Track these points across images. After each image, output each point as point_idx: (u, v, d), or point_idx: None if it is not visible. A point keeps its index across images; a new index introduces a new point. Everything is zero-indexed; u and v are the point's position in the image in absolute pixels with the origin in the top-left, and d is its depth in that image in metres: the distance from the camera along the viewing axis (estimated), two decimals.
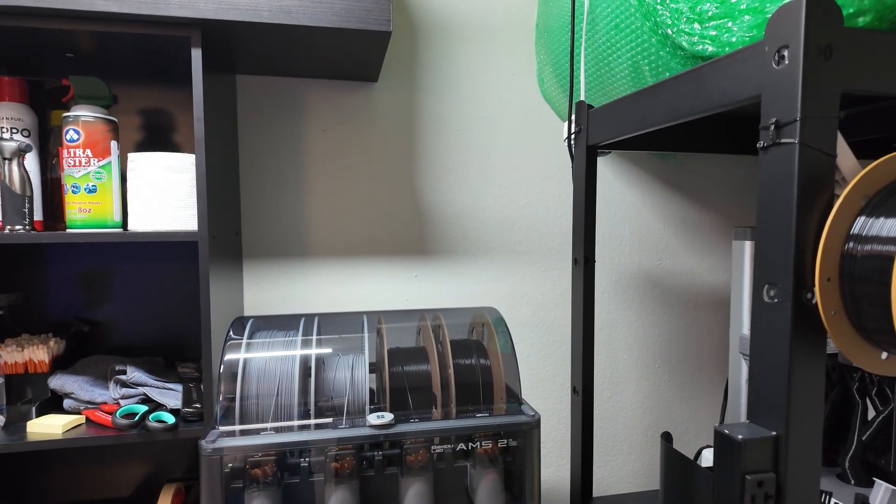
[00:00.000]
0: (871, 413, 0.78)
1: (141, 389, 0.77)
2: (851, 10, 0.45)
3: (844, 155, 0.46)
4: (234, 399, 0.63)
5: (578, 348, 0.82)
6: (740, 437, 0.45)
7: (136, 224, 0.75)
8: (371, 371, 0.70)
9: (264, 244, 0.95)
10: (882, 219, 0.42)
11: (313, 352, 0.66)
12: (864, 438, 0.78)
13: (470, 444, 0.62)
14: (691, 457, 1.16)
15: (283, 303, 0.96)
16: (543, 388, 1.07)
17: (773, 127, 0.45)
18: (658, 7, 0.65)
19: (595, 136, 0.77)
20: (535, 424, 0.61)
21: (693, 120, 0.89)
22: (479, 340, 0.75)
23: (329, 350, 0.68)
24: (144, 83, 0.91)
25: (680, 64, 0.75)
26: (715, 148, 0.92)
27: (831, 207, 0.45)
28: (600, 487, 1.12)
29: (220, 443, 0.59)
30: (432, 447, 0.60)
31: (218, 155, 0.80)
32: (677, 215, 1.11)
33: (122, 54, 0.80)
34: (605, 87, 0.86)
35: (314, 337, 0.67)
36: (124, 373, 0.77)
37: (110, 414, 0.73)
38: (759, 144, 0.47)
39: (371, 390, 0.68)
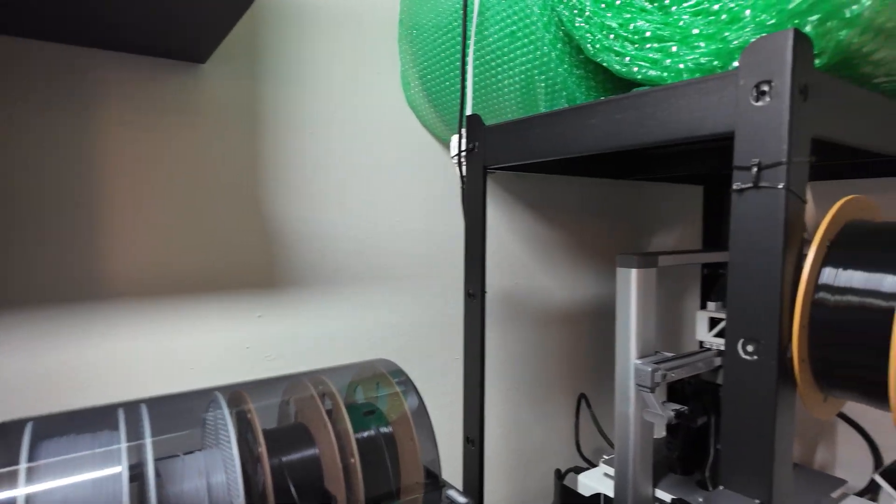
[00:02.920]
0: None
1: None
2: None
3: (809, 202, 0.44)
4: None
5: (474, 392, 0.72)
6: None
7: None
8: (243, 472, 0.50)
9: (24, 287, 0.64)
10: (856, 272, 0.41)
11: (149, 460, 0.44)
12: (717, 447, 0.84)
13: None
14: (550, 477, 1.17)
15: (53, 374, 0.66)
16: None
17: (755, 169, 0.41)
18: (577, 19, 0.59)
19: (493, 157, 0.68)
20: None
21: None
22: (371, 403, 0.60)
23: (172, 453, 0.46)
24: None
25: (575, 83, 0.71)
26: (588, 172, 0.92)
27: (802, 255, 0.43)
28: None
29: None
30: None
31: None
32: (531, 233, 1.10)
33: None
34: (490, 100, 0.78)
35: (147, 439, 0.45)
36: None
37: None
38: (736, 186, 0.43)
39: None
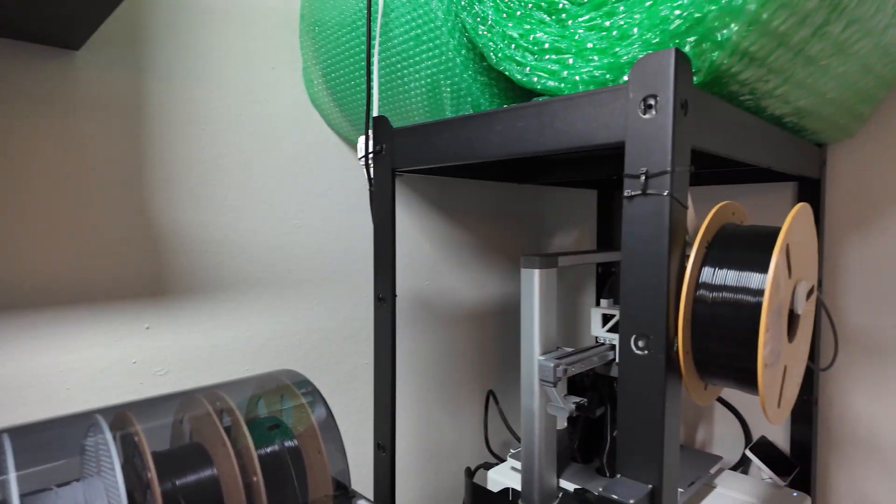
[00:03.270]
0: None
1: None
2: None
3: (690, 207, 0.48)
4: None
5: (385, 397, 0.72)
6: (631, 501, 0.43)
7: None
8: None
9: None
10: (728, 271, 0.45)
11: (14, 497, 0.39)
12: (613, 435, 0.90)
13: None
14: (461, 475, 1.19)
15: None
16: None
17: (643, 177, 0.44)
18: (480, 28, 0.60)
19: (401, 160, 0.68)
20: None
21: None
22: (276, 417, 0.57)
23: (45, 486, 0.41)
24: None
25: (480, 89, 0.72)
26: (491, 176, 0.94)
27: (685, 255, 0.46)
28: None
29: None
30: None
31: None
32: (441, 235, 1.11)
33: None
34: (397, 102, 0.77)
35: (11, 473, 0.39)
36: None
37: None
38: (626, 194, 0.46)
39: None
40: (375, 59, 0.73)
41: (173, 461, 0.49)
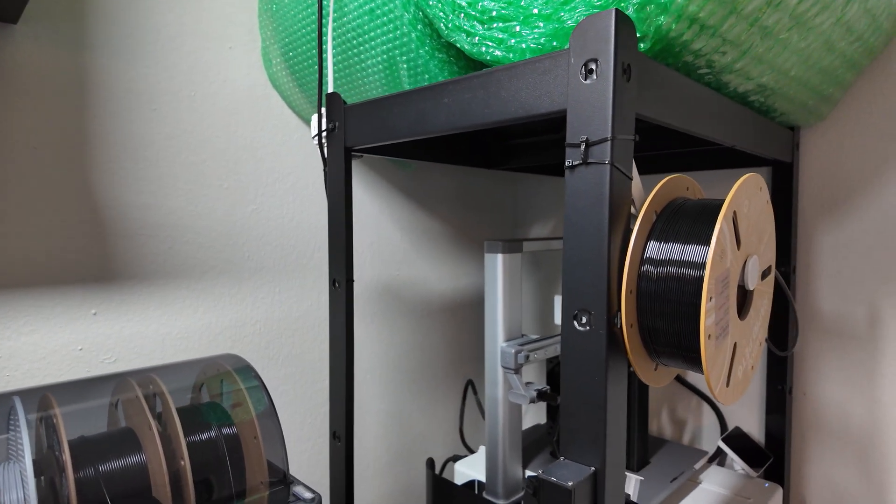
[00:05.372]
0: None
1: None
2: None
3: (635, 178, 0.46)
4: None
5: (340, 386, 0.69)
6: (570, 483, 0.41)
7: None
8: (45, 483, 0.43)
9: None
10: (672, 244, 0.44)
11: None
12: None
13: None
14: (439, 470, 1.16)
15: None
16: (285, 429, 0.90)
17: (583, 145, 0.42)
18: None
19: (354, 138, 0.66)
20: None
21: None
22: (216, 403, 0.55)
23: None
24: None
25: (438, 66, 0.70)
26: (460, 160, 0.92)
27: (629, 229, 0.44)
28: None
29: None
30: None
31: None
32: (412, 224, 1.09)
33: None
34: (355, 80, 0.75)
35: None
36: None
37: None
38: (567, 163, 0.44)
39: None
40: (330, 34, 0.71)
41: (99, 446, 0.47)
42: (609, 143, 0.41)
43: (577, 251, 0.43)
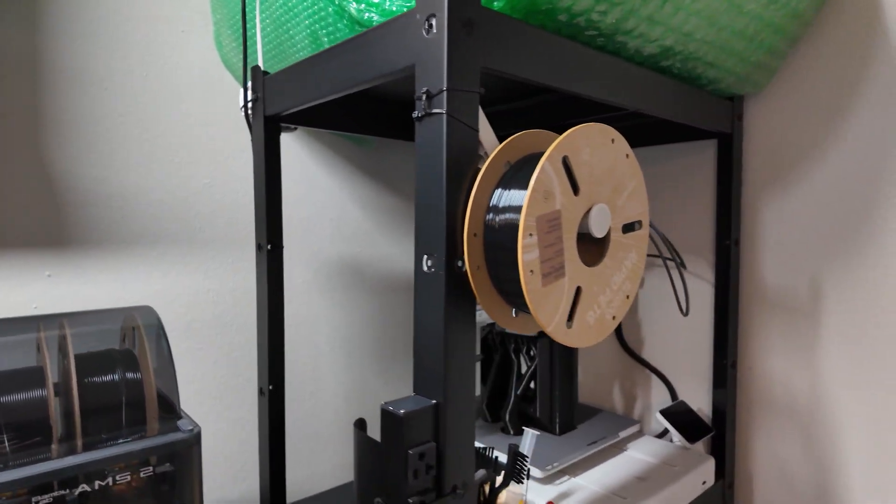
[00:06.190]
0: (525, 370, 0.91)
1: None
2: None
3: (486, 130, 0.48)
4: None
5: (265, 343, 0.73)
6: (402, 411, 0.43)
7: None
8: None
9: None
10: (512, 190, 0.46)
11: None
12: (518, 392, 0.90)
13: (104, 481, 0.48)
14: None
15: None
16: (237, 395, 0.96)
17: (424, 97, 0.45)
18: None
19: (273, 106, 0.70)
20: (194, 441, 0.51)
21: (377, 102, 0.89)
22: (130, 349, 0.60)
23: None
24: None
25: None
26: (395, 134, 0.94)
27: (476, 180, 0.47)
28: (302, 489, 1.06)
29: None
30: (35, 499, 0.44)
31: None
32: (374, 201, 1.12)
33: None
34: (287, 57, 0.79)
35: None
36: None
37: None
38: (415, 114, 0.46)
39: None
40: (258, 8, 0.75)
41: (7, 380, 0.52)
42: (445, 94, 0.44)
43: (424, 197, 0.46)
